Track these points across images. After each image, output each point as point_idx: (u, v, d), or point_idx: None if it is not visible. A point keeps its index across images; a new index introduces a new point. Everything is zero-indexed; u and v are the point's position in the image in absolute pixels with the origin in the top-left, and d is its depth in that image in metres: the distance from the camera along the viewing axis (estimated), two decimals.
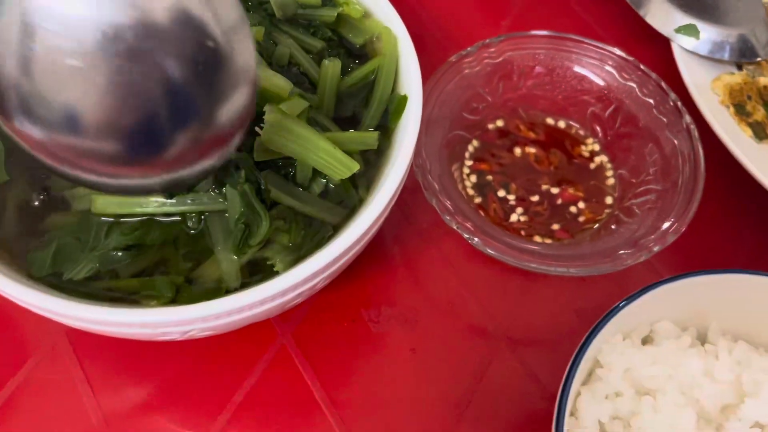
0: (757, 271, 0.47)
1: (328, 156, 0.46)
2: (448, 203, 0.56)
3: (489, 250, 0.53)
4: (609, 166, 0.64)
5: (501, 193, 0.63)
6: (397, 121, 0.51)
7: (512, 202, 0.62)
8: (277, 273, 0.43)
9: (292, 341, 0.55)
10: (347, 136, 0.49)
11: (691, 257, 0.61)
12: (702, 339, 0.49)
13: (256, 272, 0.45)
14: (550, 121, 0.67)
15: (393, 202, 0.47)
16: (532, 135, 0.66)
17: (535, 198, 0.62)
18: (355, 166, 0.46)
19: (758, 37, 0.63)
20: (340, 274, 0.49)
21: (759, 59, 0.63)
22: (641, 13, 0.65)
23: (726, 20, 0.63)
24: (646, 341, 0.48)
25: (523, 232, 0.60)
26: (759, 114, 0.61)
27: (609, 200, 0.62)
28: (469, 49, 0.64)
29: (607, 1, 0.79)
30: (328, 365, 0.55)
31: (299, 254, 0.45)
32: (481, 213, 0.61)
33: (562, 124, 0.67)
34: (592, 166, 0.64)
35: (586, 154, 0.65)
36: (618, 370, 0.45)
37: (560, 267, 0.53)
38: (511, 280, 0.59)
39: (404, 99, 0.51)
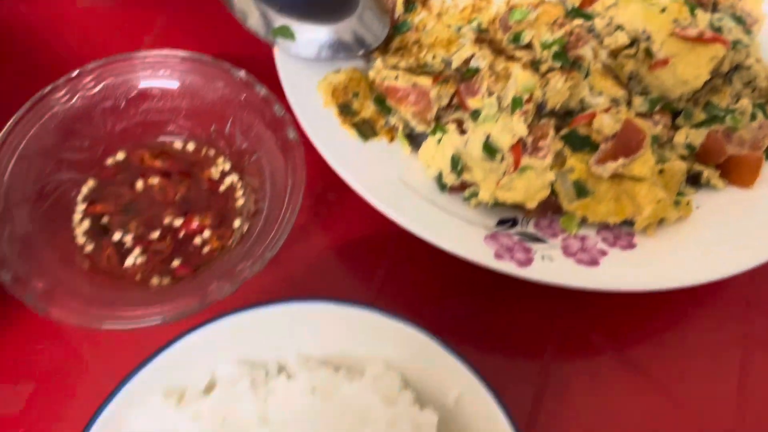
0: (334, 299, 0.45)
1: None
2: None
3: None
4: (239, 185, 0.60)
5: (117, 236, 0.57)
6: None
7: (129, 244, 0.57)
8: None
9: None
10: None
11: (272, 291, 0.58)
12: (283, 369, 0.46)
13: None
14: (177, 145, 0.62)
15: None
16: (158, 164, 0.61)
17: (156, 235, 0.57)
18: None
19: (369, 27, 0.61)
20: None
21: (369, 49, 0.61)
22: (240, 18, 0.60)
23: (326, 16, 0.60)
24: (211, 388, 0.44)
25: (139, 276, 0.55)
26: (368, 111, 0.58)
27: (237, 223, 0.58)
28: (57, 82, 0.57)
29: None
30: None
31: None
32: (87, 264, 0.55)
33: (191, 146, 0.62)
34: (222, 188, 0.60)
35: (216, 177, 0.61)
36: None
37: (148, 317, 0.48)
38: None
39: None
